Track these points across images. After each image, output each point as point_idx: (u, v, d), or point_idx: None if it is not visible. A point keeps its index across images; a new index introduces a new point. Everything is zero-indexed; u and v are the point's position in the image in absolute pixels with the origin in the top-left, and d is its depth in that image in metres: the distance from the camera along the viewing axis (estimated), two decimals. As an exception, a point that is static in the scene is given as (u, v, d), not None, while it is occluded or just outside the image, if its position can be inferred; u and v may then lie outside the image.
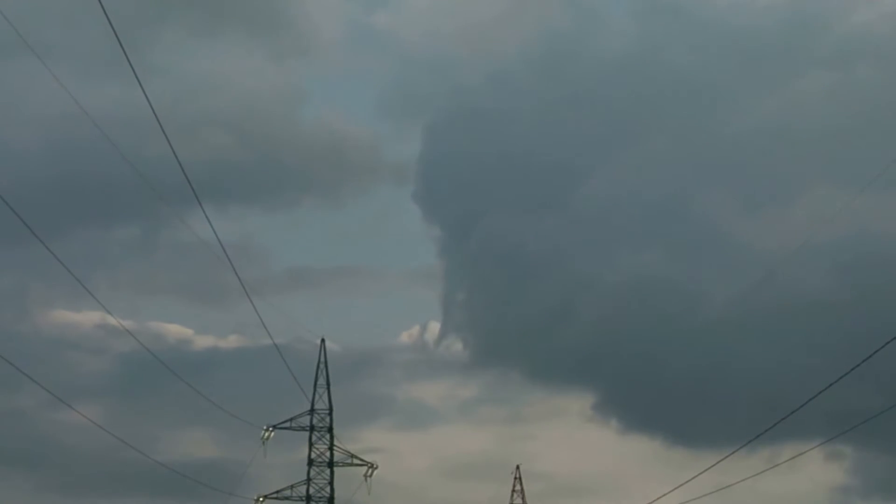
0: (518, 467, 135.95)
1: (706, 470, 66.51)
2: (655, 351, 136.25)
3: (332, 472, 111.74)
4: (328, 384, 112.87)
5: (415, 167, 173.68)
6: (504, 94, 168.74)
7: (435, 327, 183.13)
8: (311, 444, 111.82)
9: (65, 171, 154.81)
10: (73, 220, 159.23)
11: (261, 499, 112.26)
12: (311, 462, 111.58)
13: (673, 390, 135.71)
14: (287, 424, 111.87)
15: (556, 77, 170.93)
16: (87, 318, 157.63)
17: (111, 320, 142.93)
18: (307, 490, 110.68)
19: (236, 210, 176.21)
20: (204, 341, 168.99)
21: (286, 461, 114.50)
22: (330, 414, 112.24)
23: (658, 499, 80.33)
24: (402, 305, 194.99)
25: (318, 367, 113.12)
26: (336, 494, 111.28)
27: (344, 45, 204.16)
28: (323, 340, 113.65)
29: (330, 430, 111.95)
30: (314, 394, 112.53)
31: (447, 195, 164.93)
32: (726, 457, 63.33)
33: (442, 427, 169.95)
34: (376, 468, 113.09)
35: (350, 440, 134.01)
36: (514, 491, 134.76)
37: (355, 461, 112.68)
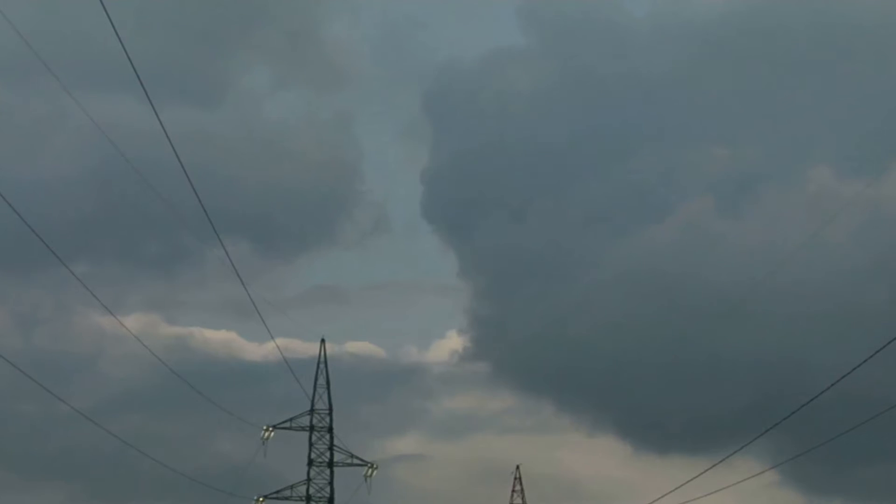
0: (518, 467, 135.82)
1: (698, 475, 66.88)
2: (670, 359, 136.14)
3: (331, 472, 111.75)
4: (328, 384, 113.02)
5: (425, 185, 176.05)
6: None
7: (462, 340, 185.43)
8: (311, 444, 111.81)
9: (102, 197, 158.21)
10: (118, 241, 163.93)
11: (261, 499, 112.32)
12: (311, 462, 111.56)
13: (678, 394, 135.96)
14: (287, 424, 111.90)
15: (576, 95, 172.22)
16: (111, 329, 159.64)
17: (146, 328, 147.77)
18: (307, 490, 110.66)
19: (276, 234, 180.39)
20: (245, 350, 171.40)
21: (286, 461, 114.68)
22: (330, 414, 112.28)
23: (658, 499, 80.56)
24: (432, 318, 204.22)
25: (317, 367, 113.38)
26: (336, 494, 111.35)
27: (374, 77, 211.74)
28: (323, 340, 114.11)
29: (330, 430, 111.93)
30: (314, 393, 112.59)
31: (458, 209, 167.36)
32: (720, 461, 63.61)
33: (472, 436, 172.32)
34: (376, 468, 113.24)
35: (382, 449, 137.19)
36: (513, 491, 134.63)
37: (355, 461, 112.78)
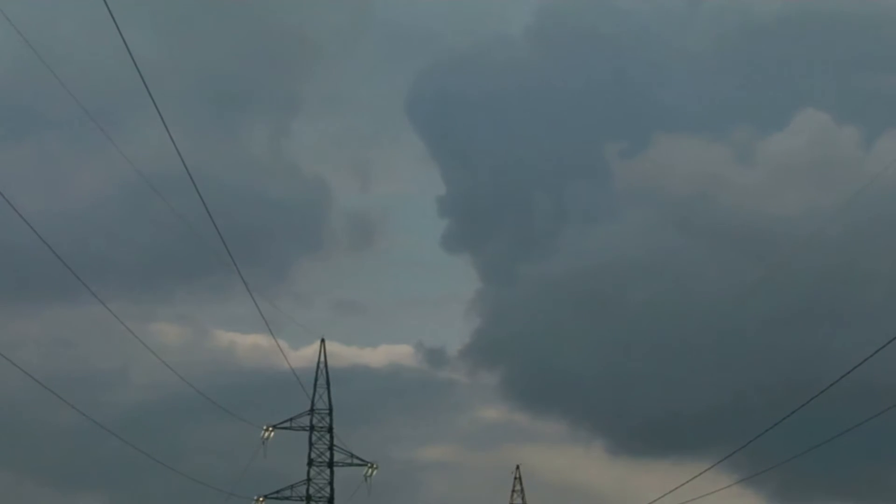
0: (518, 467, 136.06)
1: (688, 481, 67.42)
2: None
3: (331, 472, 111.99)
4: (328, 384, 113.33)
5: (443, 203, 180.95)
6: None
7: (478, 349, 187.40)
8: (311, 444, 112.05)
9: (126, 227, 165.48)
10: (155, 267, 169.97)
11: (261, 499, 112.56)
12: (311, 462, 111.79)
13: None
14: (287, 424, 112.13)
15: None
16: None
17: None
18: (307, 490, 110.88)
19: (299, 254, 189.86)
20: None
21: (286, 461, 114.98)
22: (330, 414, 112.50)
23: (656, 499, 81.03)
24: (454, 329, 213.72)
25: (317, 367, 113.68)
26: (336, 494, 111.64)
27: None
28: (323, 340, 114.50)
29: (330, 430, 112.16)
30: (314, 393, 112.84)
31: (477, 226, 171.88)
32: (708, 468, 64.04)
33: (497, 445, 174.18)
34: (377, 468, 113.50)
35: (408, 457, 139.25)
36: (514, 491, 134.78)
37: (355, 461, 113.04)
